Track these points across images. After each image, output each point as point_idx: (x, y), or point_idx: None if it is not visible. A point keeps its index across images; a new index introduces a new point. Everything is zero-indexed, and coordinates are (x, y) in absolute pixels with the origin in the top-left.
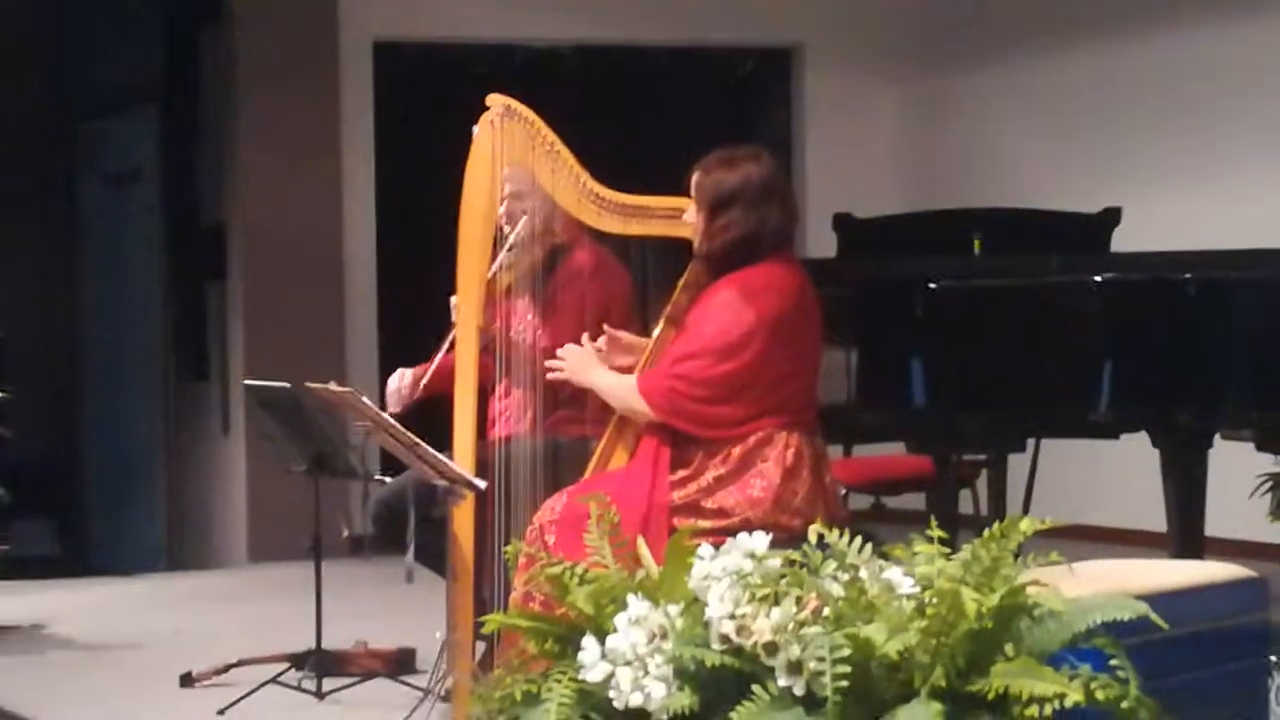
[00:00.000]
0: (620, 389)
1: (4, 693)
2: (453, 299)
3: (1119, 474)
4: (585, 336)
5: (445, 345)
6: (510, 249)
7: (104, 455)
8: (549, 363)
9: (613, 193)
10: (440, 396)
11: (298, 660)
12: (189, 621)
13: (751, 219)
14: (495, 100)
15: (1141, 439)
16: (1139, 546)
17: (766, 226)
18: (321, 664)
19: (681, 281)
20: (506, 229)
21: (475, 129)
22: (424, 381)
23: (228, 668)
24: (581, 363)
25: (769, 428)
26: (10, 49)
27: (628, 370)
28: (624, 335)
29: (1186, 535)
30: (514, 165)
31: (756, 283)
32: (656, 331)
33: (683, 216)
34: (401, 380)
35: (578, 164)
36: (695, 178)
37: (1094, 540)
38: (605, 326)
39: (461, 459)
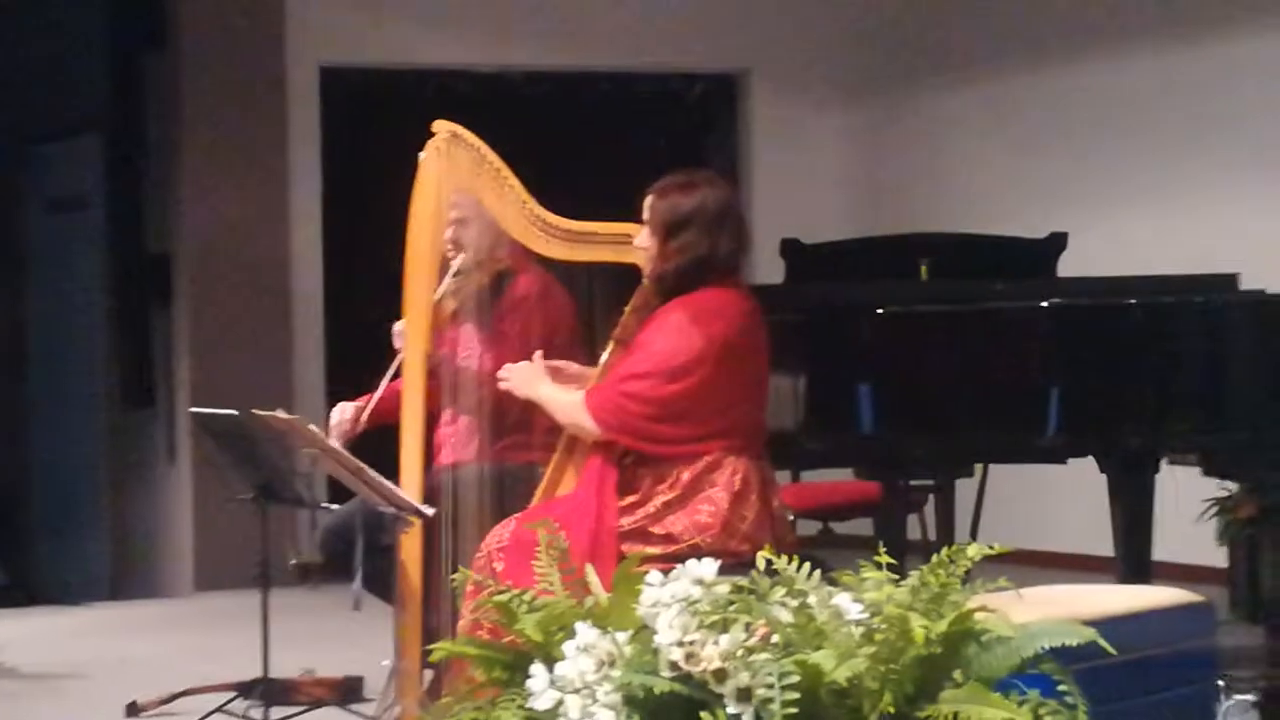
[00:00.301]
0: (567, 404)
1: None
2: (395, 326)
3: (1067, 499)
4: (538, 354)
5: (390, 374)
6: (455, 275)
7: (49, 483)
8: (499, 372)
9: (559, 219)
10: (390, 427)
11: (245, 689)
12: (135, 650)
13: (704, 243)
14: (441, 126)
15: (1089, 463)
16: (1087, 571)
17: (718, 251)
18: (269, 693)
19: (630, 305)
20: (451, 255)
21: (421, 155)
22: (365, 415)
23: (174, 697)
24: (528, 376)
25: (716, 452)
26: None
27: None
28: (569, 365)
29: (1134, 560)
30: (460, 191)
31: (706, 306)
32: (605, 355)
33: (634, 240)
34: (343, 414)
35: (524, 190)
36: (649, 200)
37: (1042, 565)
38: (548, 360)
39: (409, 486)
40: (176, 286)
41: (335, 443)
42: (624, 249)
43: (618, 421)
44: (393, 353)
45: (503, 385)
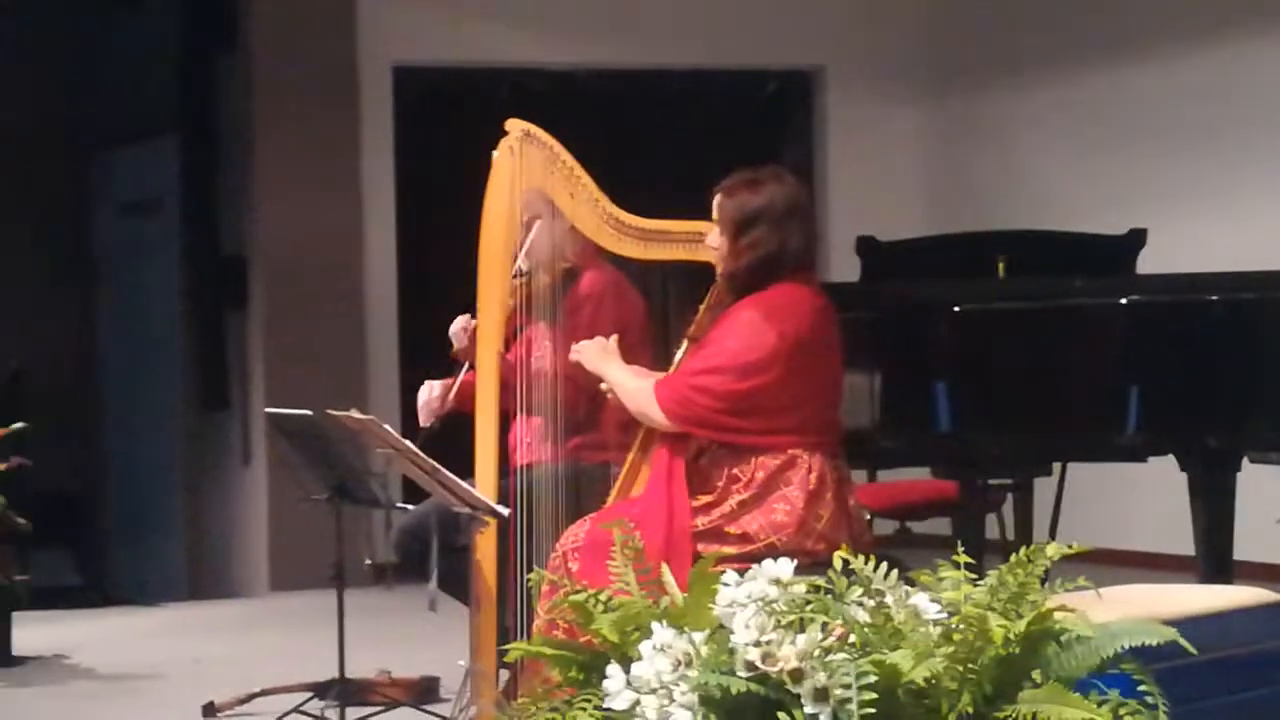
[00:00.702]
0: (636, 389)
1: None
2: (452, 328)
3: (1146, 498)
4: (614, 338)
5: (465, 366)
6: (516, 275)
7: (125, 485)
8: (572, 347)
9: (632, 217)
10: (463, 422)
11: (320, 690)
12: (211, 651)
13: (774, 239)
14: (514, 125)
15: (1169, 462)
16: (1167, 571)
17: (788, 247)
18: (344, 693)
19: (704, 303)
20: (522, 258)
21: (495, 154)
22: (452, 393)
23: (250, 697)
24: (600, 354)
25: (790, 449)
26: (26, 78)
27: None
28: (641, 369)
29: (1215, 559)
30: (532, 190)
31: (778, 304)
32: (679, 353)
33: (705, 239)
34: (430, 392)
35: (597, 188)
36: (717, 199)
37: (1121, 565)
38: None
39: (483, 486)
40: (251, 288)
41: (424, 422)
42: (697, 247)
43: (686, 412)
44: (451, 357)
45: (573, 357)
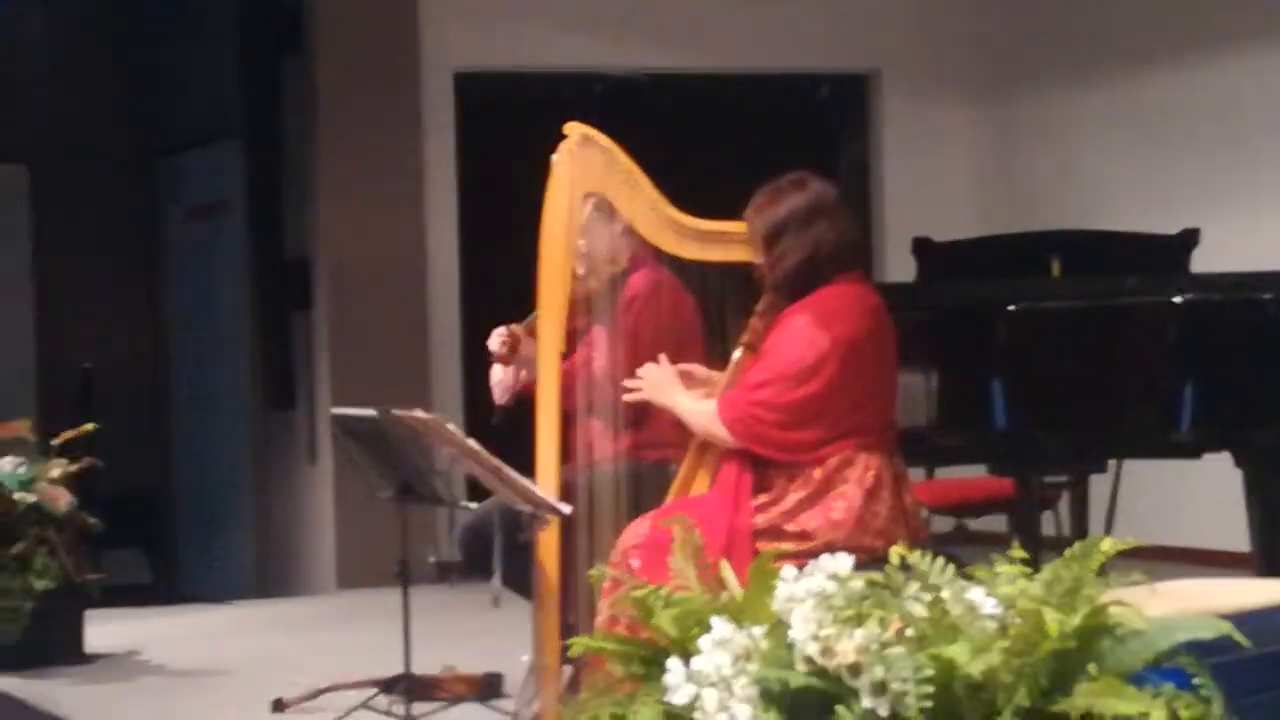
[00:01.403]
0: (700, 414)
1: None
2: (491, 341)
3: (1201, 494)
4: (664, 357)
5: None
6: (579, 277)
7: (194, 484)
8: (628, 382)
9: (691, 218)
10: (525, 421)
11: (387, 685)
12: (279, 647)
13: (806, 243)
14: (573, 129)
15: (1224, 459)
16: (1222, 567)
17: (821, 249)
18: (410, 689)
19: (758, 308)
20: (581, 258)
21: (554, 157)
22: (524, 375)
23: (318, 693)
24: (662, 384)
25: (848, 449)
26: (92, 83)
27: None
28: (696, 369)
29: (1270, 555)
30: (590, 193)
31: (829, 306)
32: (735, 356)
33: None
34: (506, 373)
35: (655, 191)
36: (746, 216)
37: (1177, 561)
38: (678, 365)
39: (545, 484)
40: (316, 290)
41: (499, 398)
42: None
43: (749, 430)
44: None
45: (631, 397)
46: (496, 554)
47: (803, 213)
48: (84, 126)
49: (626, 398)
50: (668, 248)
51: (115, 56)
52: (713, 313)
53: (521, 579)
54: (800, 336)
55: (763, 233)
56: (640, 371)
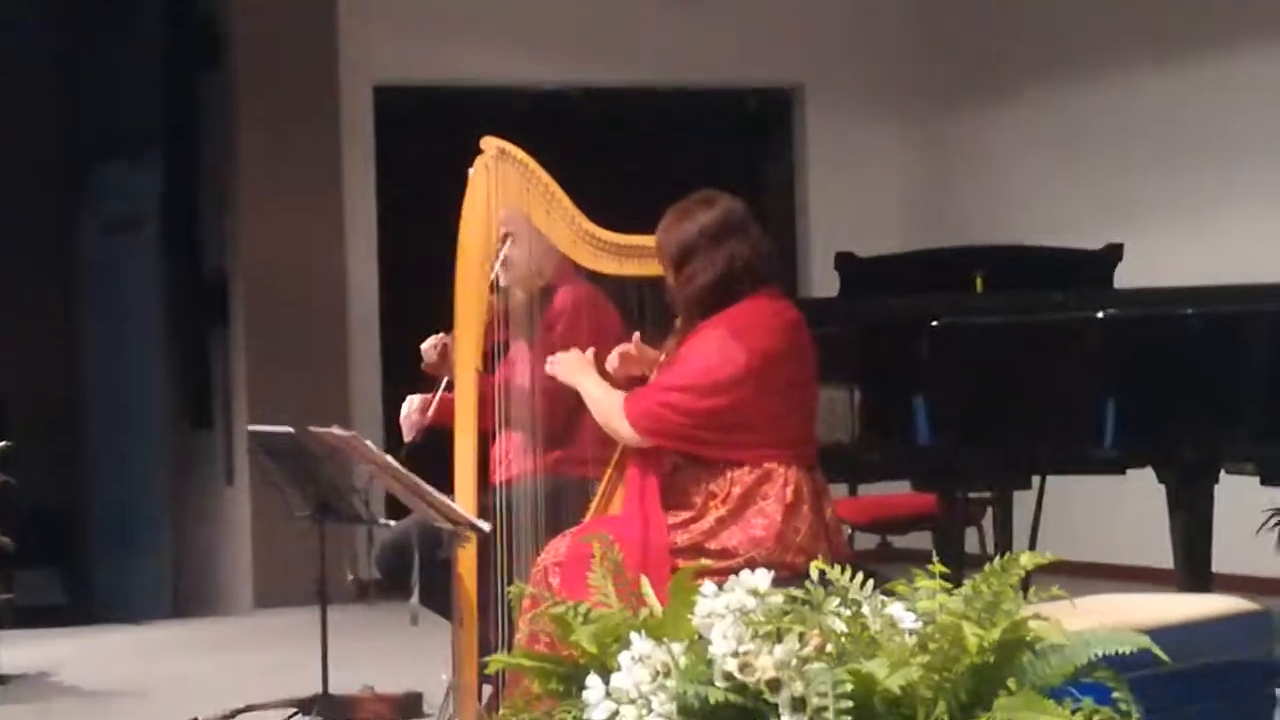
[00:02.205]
0: (605, 402)
1: None
2: (424, 345)
3: (1126, 511)
4: (590, 351)
5: (444, 382)
6: (502, 290)
7: (108, 503)
8: (548, 358)
9: (608, 233)
10: (444, 438)
11: (304, 706)
12: (195, 669)
13: (717, 261)
14: (489, 143)
15: (1147, 474)
16: (1147, 583)
17: (734, 265)
18: (328, 709)
19: (676, 332)
20: (500, 271)
21: (470, 171)
22: (432, 408)
23: (234, 714)
24: (576, 366)
25: (767, 463)
26: (12, 94)
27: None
28: (643, 349)
29: (1194, 571)
30: (509, 207)
31: (745, 321)
32: (652, 377)
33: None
34: (411, 406)
35: (572, 205)
36: (656, 239)
37: (1102, 577)
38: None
39: (464, 501)
40: (233, 307)
41: (407, 437)
42: None
43: (655, 426)
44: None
45: (549, 369)
46: (415, 572)
47: (712, 230)
48: (1, 138)
49: (547, 369)
50: (584, 262)
51: (34, 69)
52: (631, 328)
53: (440, 597)
54: (715, 349)
55: (672, 253)
56: (555, 355)
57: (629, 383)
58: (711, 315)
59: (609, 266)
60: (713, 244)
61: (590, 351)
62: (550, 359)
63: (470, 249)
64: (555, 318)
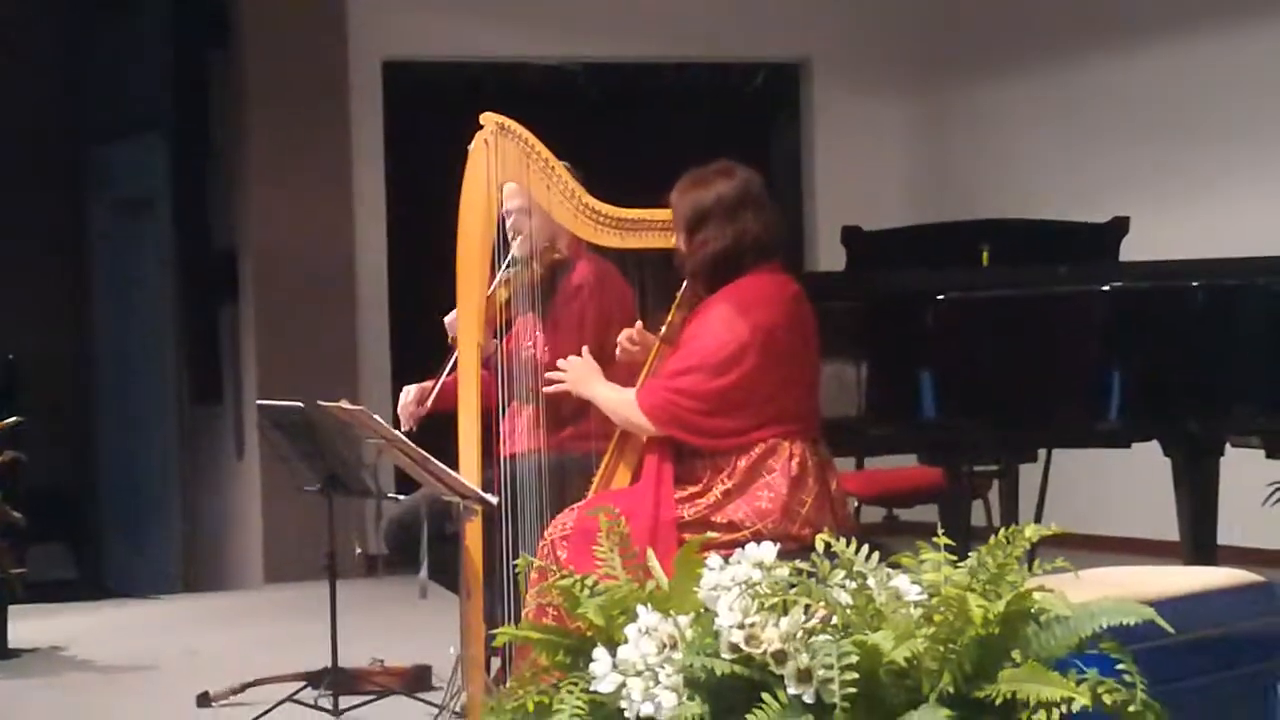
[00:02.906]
0: (619, 403)
1: (23, 715)
2: (447, 318)
3: (1131, 483)
4: (585, 350)
5: (449, 365)
6: (510, 265)
7: (119, 479)
8: (549, 374)
9: (609, 207)
10: (450, 415)
11: (314, 679)
12: (205, 642)
13: (728, 232)
14: (488, 119)
15: (1153, 448)
16: (1152, 556)
17: (745, 238)
18: (337, 682)
19: (675, 300)
20: (513, 243)
21: (470, 147)
22: (431, 397)
23: (244, 687)
24: (583, 375)
25: (772, 438)
26: (19, 75)
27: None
28: (644, 335)
29: (1199, 544)
30: (511, 182)
31: (748, 296)
32: (652, 354)
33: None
34: (406, 396)
35: (573, 179)
36: (671, 200)
37: (1107, 550)
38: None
39: (468, 475)
40: (242, 283)
41: (405, 427)
42: (673, 234)
43: (669, 417)
44: (448, 345)
45: (555, 388)
46: (423, 546)
47: (729, 201)
48: (10, 118)
49: (547, 390)
50: (586, 236)
51: (42, 49)
52: (637, 301)
53: (448, 571)
54: (720, 325)
55: (686, 217)
56: (561, 363)
57: (634, 369)
58: (716, 287)
59: (610, 240)
60: (726, 215)
61: (586, 352)
62: (552, 374)
63: (471, 224)
64: (572, 293)
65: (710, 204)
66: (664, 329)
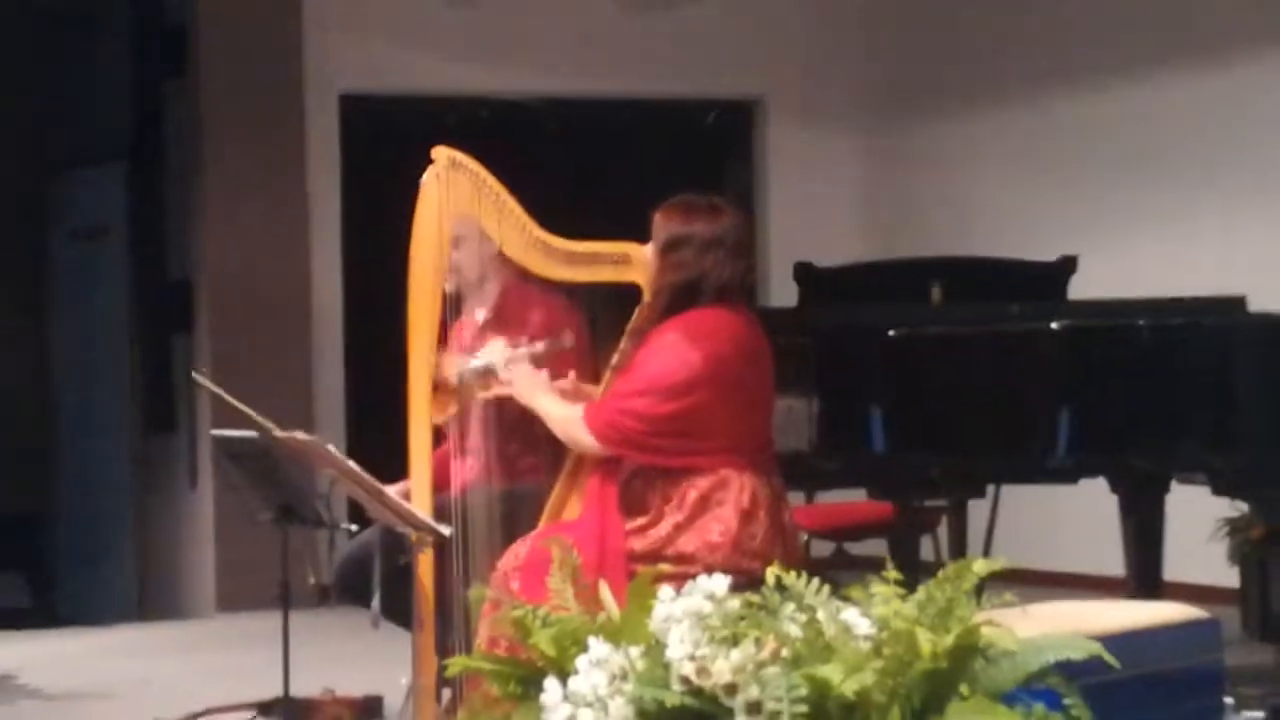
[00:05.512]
0: (565, 420)
1: None
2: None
3: (1078, 519)
4: (544, 372)
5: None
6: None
7: (74, 507)
8: (501, 374)
9: (560, 240)
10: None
11: (266, 709)
12: (158, 671)
13: (698, 265)
14: (440, 153)
15: (1100, 484)
16: (1099, 591)
17: (710, 276)
18: (289, 712)
19: (628, 328)
20: (447, 285)
21: (422, 181)
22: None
23: (196, 716)
24: (530, 384)
25: (723, 468)
26: None
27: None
28: (583, 387)
29: (1145, 579)
30: (460, 217)
31: (702, 326)
32: (604, 382)
33: (632, 259)
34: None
35: (524, 213)
36: (656, 218)
37: (1054, 585)
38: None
39: (419, 506)
40: (198, 313)
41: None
42: (625, 267)
43: (616, 435)
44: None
45: (503, 389)
46: (375, 578)
47: (706, 237)
48: None
49: (495, 391)
50: (535, 268)
51: (1, 78)
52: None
53: (400, 603)
54: (672, 353)
55: (662, 239)
56: (510, 368)
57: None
58: (672, 313)
59: (560, 273)
60: (700, 251)
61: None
62: (505, 370)
63: (423, 256)
64: (522, 325)
65: (685, 235)
66: (615, 357)
